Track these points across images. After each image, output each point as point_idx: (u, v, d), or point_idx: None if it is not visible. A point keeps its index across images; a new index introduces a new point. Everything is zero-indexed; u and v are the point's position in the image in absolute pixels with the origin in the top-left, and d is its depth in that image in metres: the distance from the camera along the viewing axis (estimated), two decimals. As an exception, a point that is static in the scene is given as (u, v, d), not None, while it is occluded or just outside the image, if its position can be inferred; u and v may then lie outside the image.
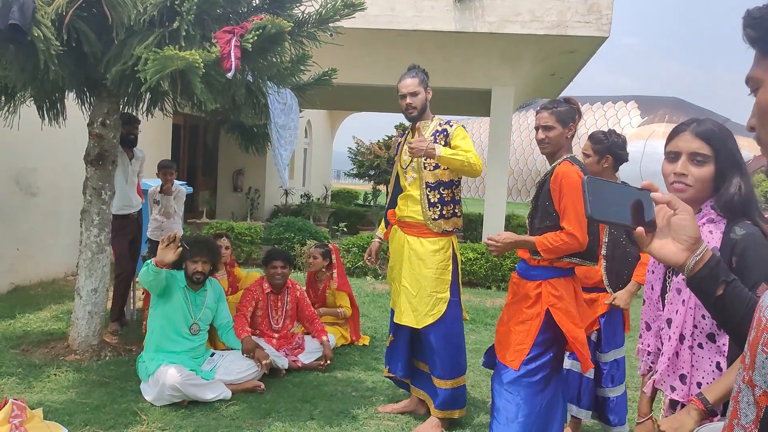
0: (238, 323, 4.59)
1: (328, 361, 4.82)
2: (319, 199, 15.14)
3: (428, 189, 3.81)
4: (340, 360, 5.09)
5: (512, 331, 3.12)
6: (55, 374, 4.31)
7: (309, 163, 18.43)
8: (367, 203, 17.53)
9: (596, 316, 3.49)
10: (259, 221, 11.90)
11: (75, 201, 7.46)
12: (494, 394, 3.12)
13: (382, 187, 18.09)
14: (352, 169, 19.54)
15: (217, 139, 13.97)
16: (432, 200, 3.80)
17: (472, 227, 12.45)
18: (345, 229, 10.80)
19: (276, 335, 4.88)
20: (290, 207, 14.06)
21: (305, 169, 18.16)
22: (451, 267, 3.78)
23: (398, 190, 4.03)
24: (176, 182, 6.25)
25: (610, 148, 3.47)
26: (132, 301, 6.04)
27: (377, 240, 4.19)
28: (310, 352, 4.91)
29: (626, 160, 3.54)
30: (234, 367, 4.30)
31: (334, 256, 5.65)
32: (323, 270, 5.62)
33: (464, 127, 3.86)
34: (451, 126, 3.79)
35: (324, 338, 4.93)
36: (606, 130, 3.65)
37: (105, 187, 4.85)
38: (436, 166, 3.78)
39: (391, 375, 4.14)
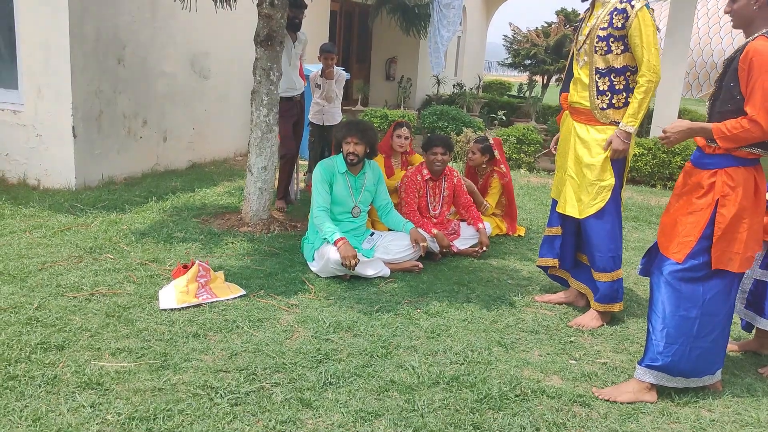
0: (411, 217, 4.71)
1: (484, 248, 4.82)
2: (471, 89, 14.74)
3: (598, 75, 3.51)
4: (495, 249, 5.07)
5: (679, 222, 2.91)
6: (231, 242, 4.69)
7: (462, 52, 17.85)
8: (522, 95, 16.81)
9: None
10: (411, 110, 11.88)
11: (243, 85, 7.85)
12: (654, 286, 2.96)
13: (538, 78, 17.21)
14: (507, 58, 18.67)
15: (371, 26, 13.87)
16: (601, 88, 3.51)
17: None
18: (503, 118, 10.23)
19: (434, 221, 4.91)
20: (441, 97, 13.85)
21: (458, 58, 17.64)
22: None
23: (572, 73, 3.75)
24: (336, 67, 6.30)
25: None
26: (296, 181, 6.35)
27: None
28: (465, 239, 4.93)
29: None
30: (393, 247, 4.42)
31: (497, 152, 5.50)
32: (483, 166, 5.49)
33: (649, 8, 3.42)
34: (632, 6, 3.39)
35: (480, 225, 4.90)
36: None
37: (273, 68, 4.99)
38: (608, 51, 3.46)
39: (544, 265, 4.06)
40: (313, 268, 4.24)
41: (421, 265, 4.43)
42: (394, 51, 13.86)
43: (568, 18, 17.67)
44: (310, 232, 4.41)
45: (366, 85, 13.32)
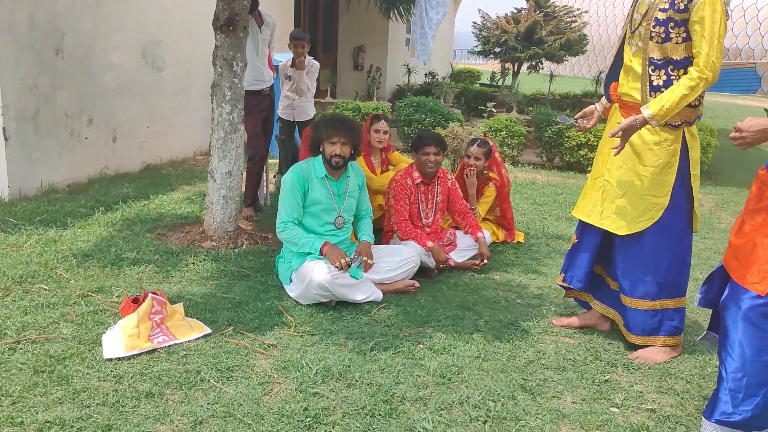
0: (402, 227, 4.13)
1: (485, 261, 4.23)
2: (444, 78, 14.13)
3: (652, 67, 2.92)
4: (495, 260, 4.49)
5: (758, 245, 2.35)
6: (193, 263, 4.00)
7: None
8: (495, 83, 16.29)
9: None
10: (382, 101, 11.23)
11: (204, 76, 7.08)
12: (729, 324, 2.40)
13: (509, 66, 16.72)
14: (477, 46, 18.13)
15: (337, 14, 13.14)
16: (655, 82, 2.92)
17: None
18: (493, 110, 9.06)
19: (427, 230, 4.30)
20: (413, 87, 13.23)
21: (427, 46, 17.05)
22: (676, 166, 2.96)
23: (621, 58, 3.15)
24: (308, 57, 5.61)
25: None
26: (265, 184, 5.67)
27: (596, 106, 3.38)
28: (462, 250, 4.33)
29: None
30: (383, 264, 3.79)
31: (498, 155, 4.97)
32: (483, 171, 4.91)
33: None
34: None
35: (479, 235, 4.31)
36: None
37: (236, 58, 4.30)
38: (666, 38, 2.86)
39: (565, 284, 3.48)
40: (291, 294, 3.59)
41: (417, 284, 3.83)
42: (362, 39, 13.20)
43: (538, 4, 17.18)
44: (285, 249, 3.76)
45: (333, 76, 12.61)
